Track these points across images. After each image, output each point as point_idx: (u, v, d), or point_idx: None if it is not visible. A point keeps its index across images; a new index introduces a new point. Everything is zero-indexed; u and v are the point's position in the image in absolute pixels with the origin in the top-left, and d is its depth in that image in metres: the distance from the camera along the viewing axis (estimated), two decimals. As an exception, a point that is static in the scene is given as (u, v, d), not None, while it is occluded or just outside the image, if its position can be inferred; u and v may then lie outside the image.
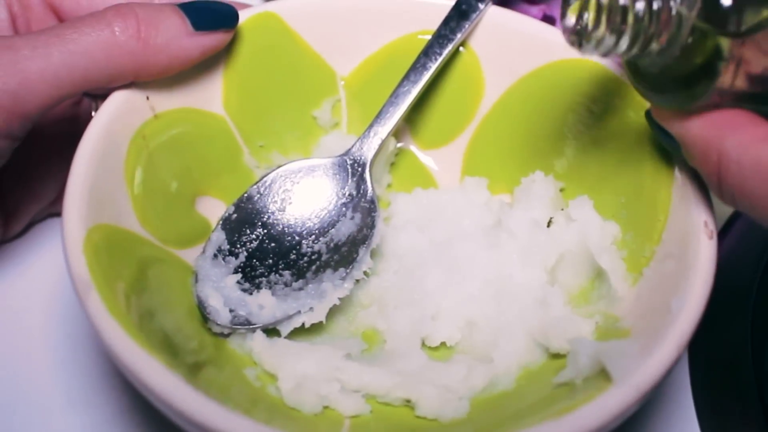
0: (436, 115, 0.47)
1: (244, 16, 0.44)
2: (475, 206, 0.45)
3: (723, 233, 0.49)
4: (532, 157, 0.45)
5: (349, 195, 0.43)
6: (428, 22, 0.45)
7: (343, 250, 0.42)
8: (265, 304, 0.40)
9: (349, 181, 0.43)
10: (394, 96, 0.43)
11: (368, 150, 0.43)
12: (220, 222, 0.42)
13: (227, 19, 0.41)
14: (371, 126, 0.43)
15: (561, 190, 0.45)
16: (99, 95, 0.41)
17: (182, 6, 0.40)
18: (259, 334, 0.40)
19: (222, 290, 0.41)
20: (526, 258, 0.42)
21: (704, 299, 0.34)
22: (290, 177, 0.43)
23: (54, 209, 0.47)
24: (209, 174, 0.44)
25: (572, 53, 0.43)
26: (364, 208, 0.42)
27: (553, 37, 0.44)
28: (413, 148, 0.48)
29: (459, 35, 0.44)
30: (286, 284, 0.41)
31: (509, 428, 0.32)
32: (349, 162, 0.43)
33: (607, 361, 0.33)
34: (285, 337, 0.40)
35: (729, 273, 0.46)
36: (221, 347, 0.40)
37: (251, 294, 0.41)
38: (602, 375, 0.34)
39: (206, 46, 0.41)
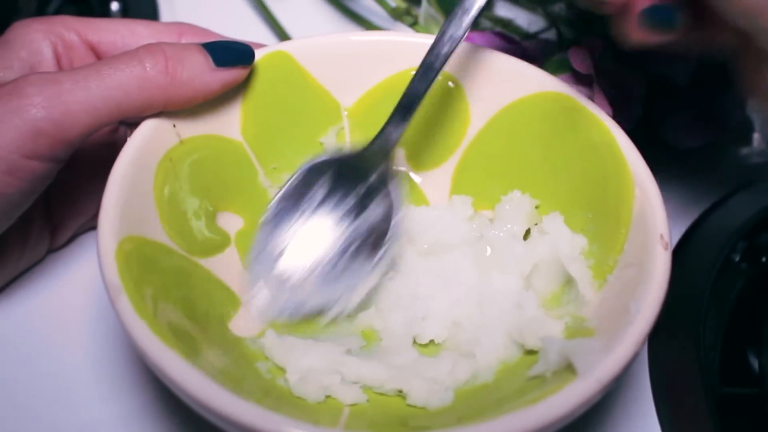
0: (429, 142, 0.47)
1: (259, 54, 0.44)
2: (461, 221, 0.45)
3: (681, 246, 0.49)
4: (511, 178, 0.45)
5: (373, 185, 0.42)
6: (420, 60, 0.46)
7: (371, 239, 0.42)
8: (306, 294, 0.41)
9: (374, 173, 0.43)
10: (407, 95, 0.43)
11: (389, 142, 0.43)
12: (261, 222, 0.42)
13: (244, 56, 0.42)
14: (390, 122, 0.43)
15: (536, 206, 0.45)
16: (133, 123, 0.41)
17: (205, 45, 0.41)
18: (271, 333, 0.40)
19: (269, 283, 0.41)
20: (504, 267, 0.42)
21: (659, 302, 0.34)
22: (321, 169, 0.43)
23: (94, 223, 0.47)
24: (228, 192, 0.44)
25: (546, 87, 0.44)
26: (386, 198, 0.42)
27: (529, 72, 0.44)
28: (408, 170, 0.48)
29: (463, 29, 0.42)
30: (323, 273, 0.41)
31: (488, 415, 0.32)
32: (372, 154, 0.43)
33: (572, 356, 0.33)
34: (293, 335, 0.40)
35: (684, 282, 0.46)
36: (237, 344, 0.40)
37: (293, 286, 0.41)
38: (569, 369, 0.34)
39: (226, 81, 0.41)
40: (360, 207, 0.42)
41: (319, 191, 0.43)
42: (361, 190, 0.42)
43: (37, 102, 0.36)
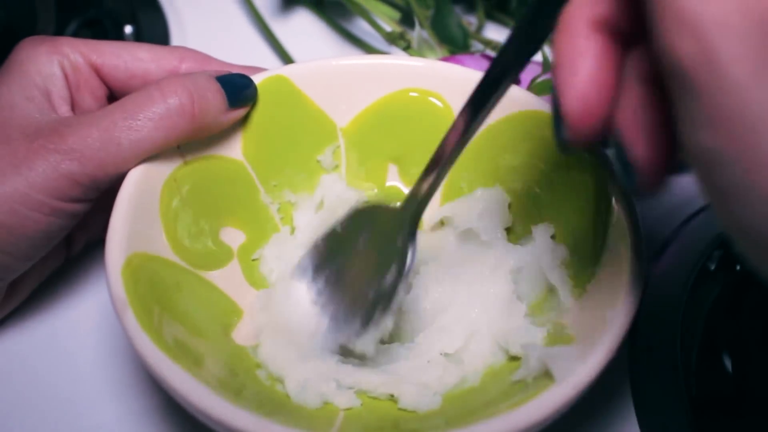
0: (420, 159, 0.47)
1: (260, 78, 0.45)
2: (452, 235, 0.45)
3: (659, 255, 0.50)
4: (498, 193, 0.46)
5: (399, 247, 0.40)
6: (413, 81, 0.47)
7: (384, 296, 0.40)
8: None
9: (400, 234, 0.40)
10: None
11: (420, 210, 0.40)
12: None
13: (252, 99, 0.44)
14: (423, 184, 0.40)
15: (521, 219, 0.45)
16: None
17: (222, 84, 0.42)
18: (271, 342, 0.40)
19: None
20: (494, 276, 0.43)
21: (633, 311, 0.35)
22: (364, 216, 0.42)
23: (104, 234, 0.48)
24: (231, 209, 0.45)
25: (530, 106, 0.44)
26: (401, 262, 0.40)
27: (514, 93, 0.45)
28: (401, 185, 0.49)
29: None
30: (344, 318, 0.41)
31: (473, 418, 0.33)
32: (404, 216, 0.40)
33: (550, 363, 0.34)
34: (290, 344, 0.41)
35: (662, 289, 0.46)
36: (239, 352, 0.40)
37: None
38: (547, 375, 0.34)
39: (235, 119, 0.44)
40: (382, 265, 0.40)
41: (358, 238, 0.41)
42: (389, 248, 0.40)
43: (74, 157, 0.39)
